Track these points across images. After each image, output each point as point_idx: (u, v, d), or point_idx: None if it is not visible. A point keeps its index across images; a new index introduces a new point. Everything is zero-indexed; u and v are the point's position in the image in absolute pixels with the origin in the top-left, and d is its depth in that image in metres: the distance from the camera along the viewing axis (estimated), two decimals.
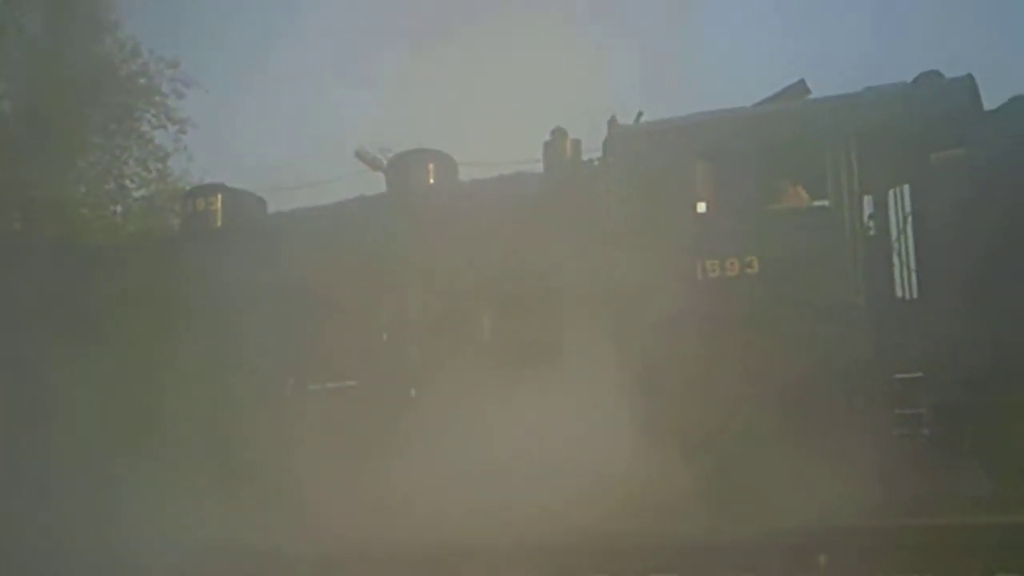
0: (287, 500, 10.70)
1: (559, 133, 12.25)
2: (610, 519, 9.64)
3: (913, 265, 10.37)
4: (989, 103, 10.42)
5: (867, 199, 10.55)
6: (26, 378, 12.97)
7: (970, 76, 10.42)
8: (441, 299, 11.80)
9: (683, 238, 10.68)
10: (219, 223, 13.75)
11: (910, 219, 10.48)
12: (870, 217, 10.51)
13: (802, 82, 11.47)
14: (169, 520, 11.04)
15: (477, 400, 10.19)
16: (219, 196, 13.91)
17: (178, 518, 10.99)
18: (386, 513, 9.92)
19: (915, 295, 10.37)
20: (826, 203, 10.68)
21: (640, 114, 11.81)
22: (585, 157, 12.20)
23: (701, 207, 10.90)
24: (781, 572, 8.07)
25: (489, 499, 9.65)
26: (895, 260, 10.43)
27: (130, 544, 11.03)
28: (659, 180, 10.94)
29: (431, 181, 12.81)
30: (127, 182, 23.11)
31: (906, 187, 10.56)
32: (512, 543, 9.97)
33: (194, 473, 11.24)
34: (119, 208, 23.02)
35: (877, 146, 10.37)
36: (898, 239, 10.47)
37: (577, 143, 12.28)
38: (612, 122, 11.59)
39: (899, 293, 10.47)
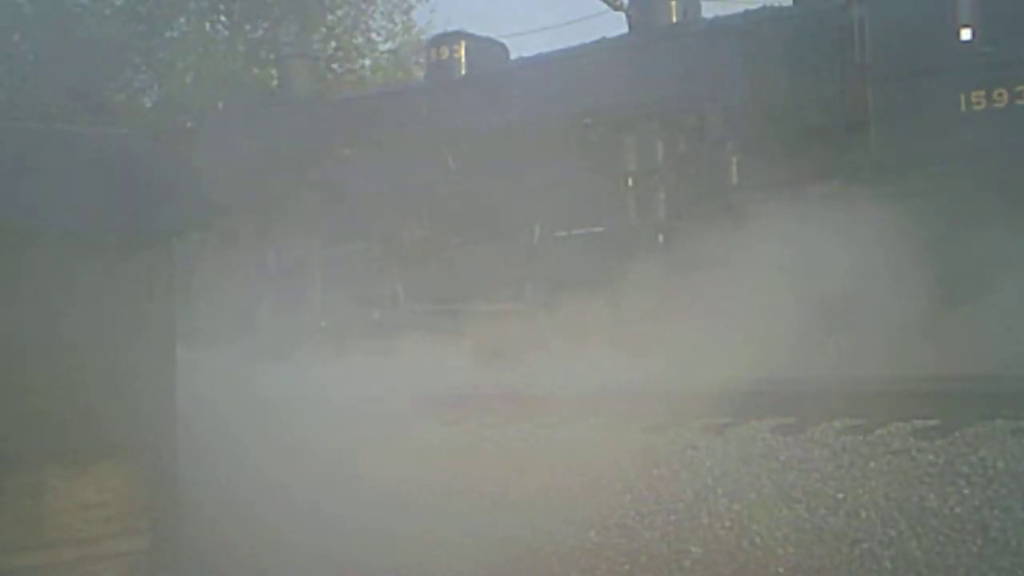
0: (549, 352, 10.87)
1: None
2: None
3: None
4: None
5: None
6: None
7: None
8: (687, 141, 11.59)
9: (944, 68, 10.09)
10: (463, 71, 13.87)
11: None
12: None
13: None
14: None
15: (728, 246, 9.99)
16: (462, 44, 14.02)
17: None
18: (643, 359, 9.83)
19: None
20: None
21: None
22: None
23: (965, 34, 10.19)
24: None
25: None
26: None
27: None
28: (917, 5, 10.35)
29: (674, 19, 12.52)
30: (373, 35, 23.75)
31: None
32: None
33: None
34: (367, 61, 23.65)
35: None
36: None
37: None
38: None
39: None
